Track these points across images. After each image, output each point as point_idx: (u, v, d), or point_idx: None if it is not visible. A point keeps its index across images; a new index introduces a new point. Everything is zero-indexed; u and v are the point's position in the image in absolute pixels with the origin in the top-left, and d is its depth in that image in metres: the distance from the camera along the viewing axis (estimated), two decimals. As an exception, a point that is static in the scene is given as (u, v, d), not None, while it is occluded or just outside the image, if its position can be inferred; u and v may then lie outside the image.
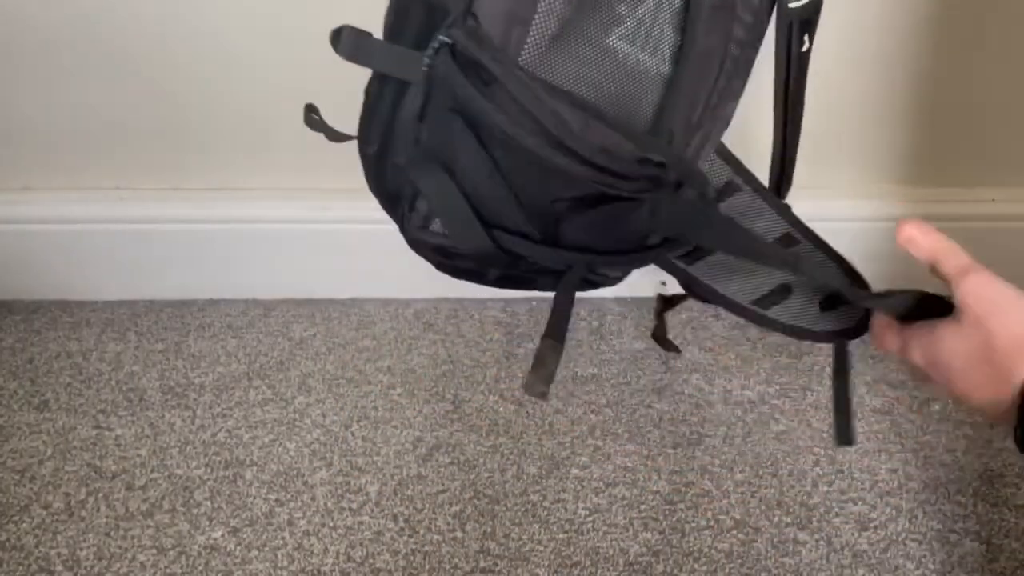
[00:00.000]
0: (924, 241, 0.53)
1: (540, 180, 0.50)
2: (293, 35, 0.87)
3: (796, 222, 0.62)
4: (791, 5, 0.53)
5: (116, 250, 1.01)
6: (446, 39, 0.47)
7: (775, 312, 0.62)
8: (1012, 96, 0.89)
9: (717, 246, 0.58)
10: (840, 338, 0.62)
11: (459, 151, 0.50)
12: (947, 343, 0.51)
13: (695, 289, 0.62)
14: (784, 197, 0.63)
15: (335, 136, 0.59)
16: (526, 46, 0.48)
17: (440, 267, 0.59)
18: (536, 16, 0.47)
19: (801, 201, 0.64)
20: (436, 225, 0.55)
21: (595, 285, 0.59)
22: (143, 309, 1.05)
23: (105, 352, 1.00)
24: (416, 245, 0.57)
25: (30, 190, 0.99)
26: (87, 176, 0.97)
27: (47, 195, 0.98)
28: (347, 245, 0.99)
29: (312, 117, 0.59)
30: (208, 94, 0.91)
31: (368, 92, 0.56)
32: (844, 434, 0.68)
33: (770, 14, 0.52)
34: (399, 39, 0.53)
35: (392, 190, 0.56)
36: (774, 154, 0.60)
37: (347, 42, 0.54)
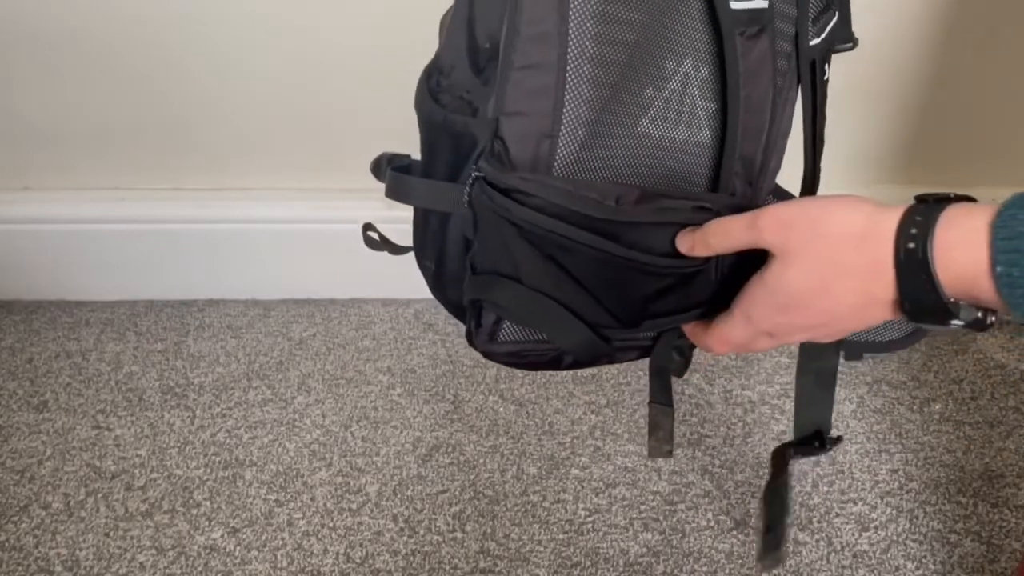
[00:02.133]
0: (702, 235, 0.50)
1: (616, 279, 0.51)
2: (293, 36, 0.87)
3: None
4: (812, 43, 0.54)
5: (116, 250, 1.01)
6: (478, 172, 0.48)
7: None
8: (1012, 96, 0.89)
9: None
10: (908, 343, 0.63)
11: (519, 259, 0.50)
12: (786, 279, 0.47)
13: None
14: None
15: (396, 250, 0.60)
16: (557, 157, 0.48)
17: (516, 367, 0.59)
18: (563, 127, 0.47)
19: (801, 201, 0.64)
20: (504, 334, 0.55)
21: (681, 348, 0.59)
22: (143, 309, 1.05)
23: (104, 352, 1.00)
24: (489, 356, 0.57)
25: (30, 190, 0.99)
26: (87, 176, 0.98)
27: (47, 195, 0.98)
28: (347, 245, 0.99)
29: (370, 237, 0.60)
30: (208, 95, 0.91)
31: (416, 211, 0.57)
32: (771, 555, 0.67)
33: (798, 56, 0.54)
34: (433, 173, 0.53)
35: (456, 302, 0.57)
36: (805, 168, 0.60)
37: (389, 183, 0.54)
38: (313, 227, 0.99)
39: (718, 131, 0.51)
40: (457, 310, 0.58)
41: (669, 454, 0.59)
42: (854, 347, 0.65)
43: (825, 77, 0.57)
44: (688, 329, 0.56)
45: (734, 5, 0.48)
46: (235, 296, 1.06)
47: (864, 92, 0.88)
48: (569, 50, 0.46)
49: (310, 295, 1.06)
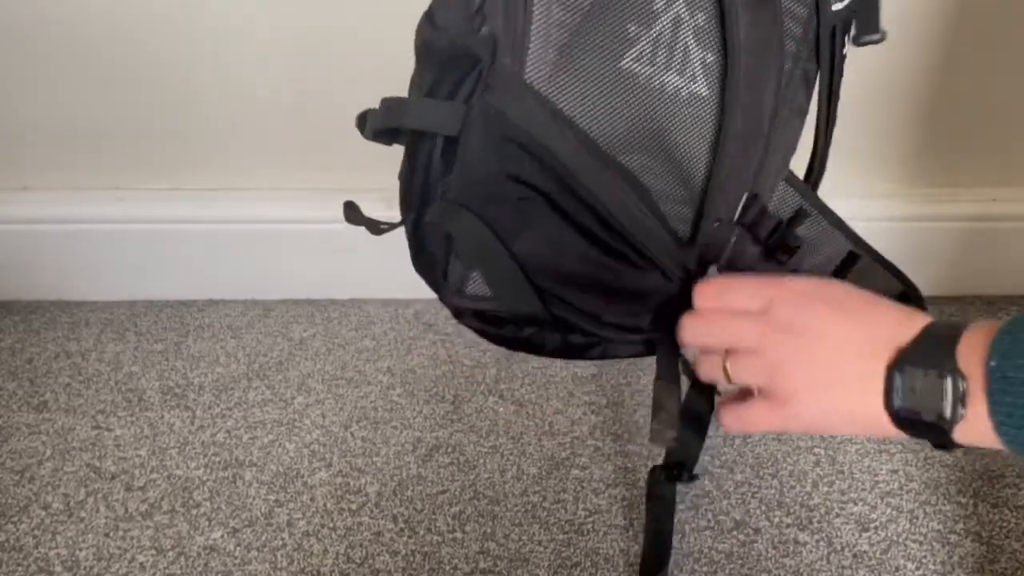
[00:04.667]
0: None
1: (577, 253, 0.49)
2: (293, 36, 0.87)
3: (856, 238, 0.59)
4: (834, 7, 0.50)
5: (115, 250, 1.01)
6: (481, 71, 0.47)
7: None
8: (1012, 96, 0.89)
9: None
10: None
11: (489, 196, 0.49)
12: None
13: None
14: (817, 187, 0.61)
15: (376, 229, 0.57)
16: (526, 77, 0.46)
17: (489, 337, 0.57)
18: (531, 45, 0.46)
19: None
20: (473, 286, 0.53)
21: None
22: (142, 309, 1.05)
23: (104, 352, 1.00)
24: (458, 314, 0.55)
25: (29, 190, 0.99)
26: (87, 176, 0.97)
27: (47, 195, 0.98)
28: (347, 245, 0.99)
29: (351, 212, 0.58)
30: (208, 95, 0.91)
31: (402, 172, 0.55)
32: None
33: (816, 22, 0.50)
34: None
35: (428, 258, 0.55)
36: (814, 152, 0.58)
37: (381, 110, 0.51)
38: (313, 227, 0.99)
39: (716, 87, 0.47)
40: (427, 272, 0.56)
41: (673, 441, 0.54)
42: None
43: (844, 51, 0.53)
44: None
45: None
46: (235, 296, 1.06)
47: (864, 92, 0.88)
48: None
49: (310, 295, 1.06)
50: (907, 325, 0.43)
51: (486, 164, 0.49)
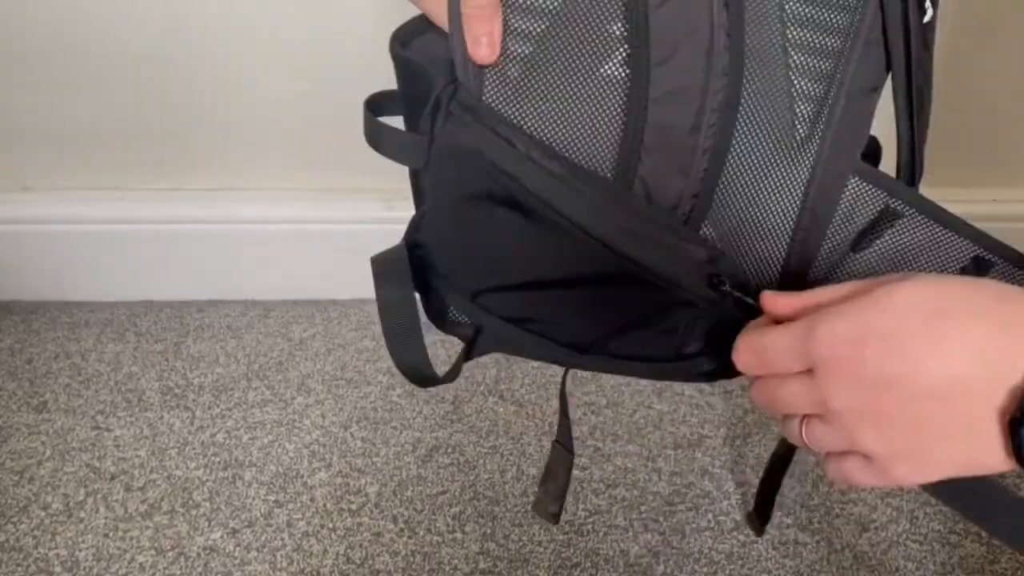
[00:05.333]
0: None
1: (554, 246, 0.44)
2: (292, 36, 0.87)
3: (982, 238, 0.47)
4: None
5: (115, 250, 1.01)
6: (442, 97, 0.42)
7: None
8: (1012, 96, 0.89)
9: None
10: None
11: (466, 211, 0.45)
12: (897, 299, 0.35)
13: None
14: (912, 183, 0.49)
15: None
16: (484, 99, 0.41)
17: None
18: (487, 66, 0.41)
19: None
20: (454, 314, 0.51)
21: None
22: (142, 310, 1.05)
23: (104, 353, 1.00)
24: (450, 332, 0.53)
25: (30, 190, 0.99)
26: (87, 176, 0.97)
27: (47, 195, 0.98)
28: (347, 245, 0.99)
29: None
30: (208, 95, 0.91)
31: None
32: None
33: None
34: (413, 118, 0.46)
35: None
36: (900, 147, 0.47)
37: (365, 126, 0.48)
38: (313, 227, 0.99)
39: (731, 86, 0.41)
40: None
41: (555, 518, 0.49)
42: None
43: (926, 18, 0.43)
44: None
45: None
46: (235, 296, 1.06)
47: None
48: None
49: (310, 295, 1.06)
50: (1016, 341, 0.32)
51: (449, 194, 0.46)
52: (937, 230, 0.47)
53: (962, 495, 0.40)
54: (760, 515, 0.76)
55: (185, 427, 0.91)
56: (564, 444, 0.52)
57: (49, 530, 0.82)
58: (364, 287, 1.09)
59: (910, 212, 0.46)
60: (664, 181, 0.42)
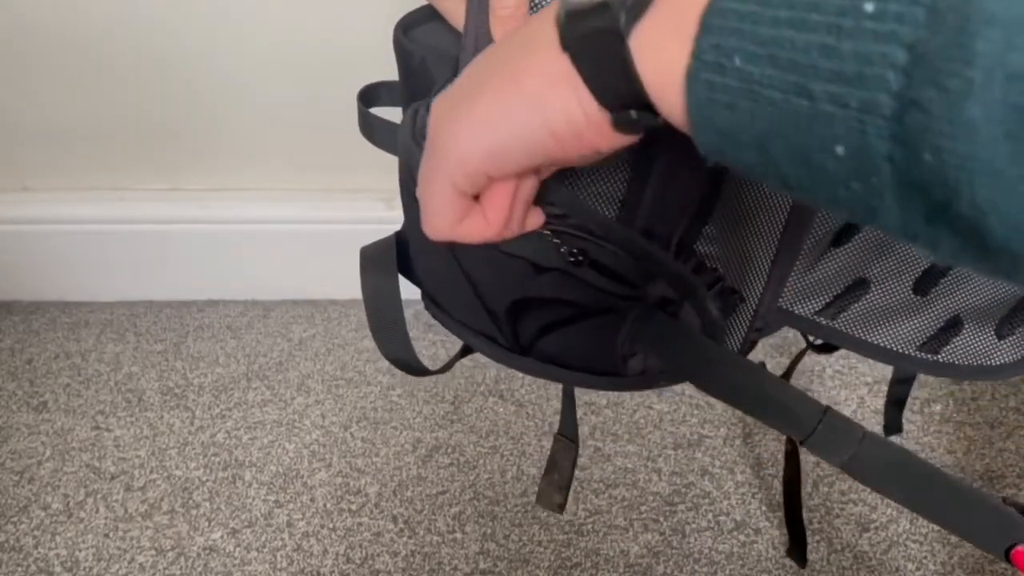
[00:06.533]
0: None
1: (496, 268, 0.43)
2: (292, 36, 0.87)
3: None
4: None
5: (115, 250, 1.01)
6: (413, 111, 0.41)
7: (948, 354, 0.50)
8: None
9: (717, 394, 0.45)
10: None
11: (414, 216, 0.44)
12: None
13: (842, 345, 0.52)
14: None
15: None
16: None
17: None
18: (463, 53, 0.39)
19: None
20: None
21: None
22: (142, 310, 1.05)
23: (104, 353, 1.00)
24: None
25: (30, 190, 0.99)
26: (87, 176, 0.97)
27: (47, 195, 0.98)
28: (347, 245, 0.99)
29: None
30: (208, 95, 0.91)
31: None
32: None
33: None
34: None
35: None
36: None
37: (359, 118, 0.47)
38: (313, 227, 0.99)
39: None
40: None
41: (560, 508, 0.48)
42: (959, 372, 0.52)
43: None
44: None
45: None
46: (235, 297, 1.06)
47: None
48: None
49: (310, 295, 1.06)
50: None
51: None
52: None
53: (915, 492, 0.41)
54: (797, 544, 0.75)
55: (185, 427, 0.91)
56: (569, 436, 0.52)
57: (49, 530, 0.82)
58: (364, 287, 1.09)
59: None
60: (681, 177, 0.42)
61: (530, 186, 0.35)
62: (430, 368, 0.51)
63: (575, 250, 0.42)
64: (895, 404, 0.71)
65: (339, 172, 0.95)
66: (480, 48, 0.38)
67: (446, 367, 0.52)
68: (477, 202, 0.34)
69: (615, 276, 0.43)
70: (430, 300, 0.52)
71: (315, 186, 0.97)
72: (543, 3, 0.39)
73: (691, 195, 0.42)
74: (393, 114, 0.47)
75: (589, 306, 0.44)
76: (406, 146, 0.41)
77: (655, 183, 0.41)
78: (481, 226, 0.34)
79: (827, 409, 0.41)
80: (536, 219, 0.37)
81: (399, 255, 0.51)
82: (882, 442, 0.41)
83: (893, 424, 0.68)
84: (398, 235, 0.52)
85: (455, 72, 0.40)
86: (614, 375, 0.47)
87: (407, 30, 0.43)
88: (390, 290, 0.49)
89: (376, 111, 0.48)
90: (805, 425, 0.41)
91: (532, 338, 0.47)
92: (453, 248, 0.43)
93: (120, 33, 0.86)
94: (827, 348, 0.59)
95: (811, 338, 0.58)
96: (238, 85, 0.90)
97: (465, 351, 0.53)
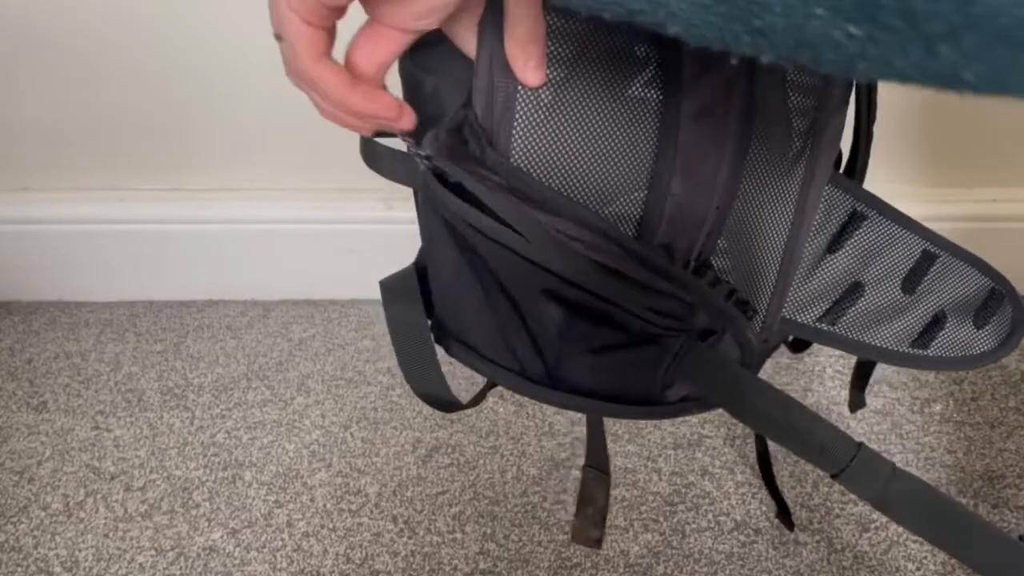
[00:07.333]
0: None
1: (526, 271, 0.42)
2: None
3: (928, 233, 0.53)
4: None
5: (115, 250, 1.01)
6: (422, 151, 0.41)
7: (937, 348, 0.53)
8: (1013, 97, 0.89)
9: (752, 424, 0.47)
10: (1004, 352, 0.53)
11: (436, 247, 0.44)
12: None
13: (843, 348, 0.54)
14: (862, 182, 0.54)
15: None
16: (516, 127, 0.40)
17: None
18: (519, 90, 0.39)
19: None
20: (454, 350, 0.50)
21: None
22: (142, 310, 1.05)
23: (104, 353, 1.00)
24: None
25: (29, 190, 0.99)
26: (87, 176, 0.97)
27: (46, 195, 0.98)
28: (347, 245, 0.99)
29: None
30: (208, 95, 0.91)
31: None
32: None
33: None
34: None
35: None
36: (858, 151, 0.52)
37: (360, 144, 0.47)
38: (313, 227, 0.99)
39: (748, 94, 0.41)
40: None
41: (598, 544, 0.47)
42: (948, 364, 0.55)
43: None
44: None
45: None
46: (234, 297, 1.06)
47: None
48: None
49: (310, 295, 1.06)
50: None
51: (436, 223, 0.44)
52: (895, 228, 0.51)
53: (940, 528, 0.42)
54: (783, 510, 0.80)
55: (185, 427, 0.91)
56: (599, 467, 0.50)
57: (49, 530, 0.82)
58: (364, 287, 1.10)
59: (872, 213, 0.51)
60: (694, 195, 0.42)
61: (387, 49, 0.37)
62: (461, 402, 0.49)
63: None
64: (859, 381, 0.72)
65: (339, 172, 0.95)
66: (495, 73, 0.39)
67: (477, 399, 0.51)
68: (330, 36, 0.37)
69: (658, 312, 0.43)
70: (445, 333, 0.50)
71: (315, 186, 0.97)
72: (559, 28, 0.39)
73: (708, 210, 0.43)
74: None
75: (634, 332, 0.44)
76: (423, 173, 0.41)
77: (672, 203, 0.42)
78: (337, 70, 0.37)
79: (860, 445, 0.42)
80: (384, 101, 0.38)
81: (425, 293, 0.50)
82: (909, 477, 0.43)
83: (857, 402, 0.69)
84: (416, 265, 0.51)
85: (468, 99, 0.41)
86: (648, 404, 0.47)
87: (413, 55, 0.43)
88: (416, 320, 0.48)
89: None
90: (839, 460, 0.42)
91: (558, 353, 0.46)
92: (476, 248, 0.43)
93: (120, 33, 0.86)
94: (800, 346, 0.62)
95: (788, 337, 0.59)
96: (238, 85, 0.90)
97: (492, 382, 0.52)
